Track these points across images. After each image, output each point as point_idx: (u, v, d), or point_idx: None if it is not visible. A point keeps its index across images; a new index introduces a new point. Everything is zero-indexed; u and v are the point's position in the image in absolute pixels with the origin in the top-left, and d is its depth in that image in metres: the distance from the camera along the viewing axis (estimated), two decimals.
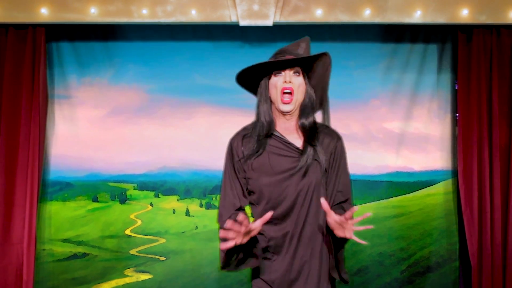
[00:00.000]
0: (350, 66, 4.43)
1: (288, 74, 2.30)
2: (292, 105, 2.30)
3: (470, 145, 4.19)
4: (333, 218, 2.10)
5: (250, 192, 2.33)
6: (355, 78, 4.42)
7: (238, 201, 2.31)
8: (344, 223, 2.09)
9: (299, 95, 2.31)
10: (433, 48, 4.40)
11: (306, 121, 2.33)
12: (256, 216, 2.31)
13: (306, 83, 2.33)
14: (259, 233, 2.23)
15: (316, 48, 2.43)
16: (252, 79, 2.38)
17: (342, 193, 2.33)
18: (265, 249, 2.30)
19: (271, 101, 2.34)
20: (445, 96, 4.42)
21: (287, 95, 2.29)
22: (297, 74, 2.31)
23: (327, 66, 2.33)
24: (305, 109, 2.33)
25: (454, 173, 4.35)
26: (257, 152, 2.30)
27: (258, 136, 2.32)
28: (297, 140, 2.33)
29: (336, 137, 2.36)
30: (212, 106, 4.38)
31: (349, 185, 2.36)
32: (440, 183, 4.40)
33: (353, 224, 2.12)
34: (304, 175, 2.25)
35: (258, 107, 2.35)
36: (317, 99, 2.38)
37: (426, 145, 4.41)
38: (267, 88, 2.34)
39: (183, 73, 4.41)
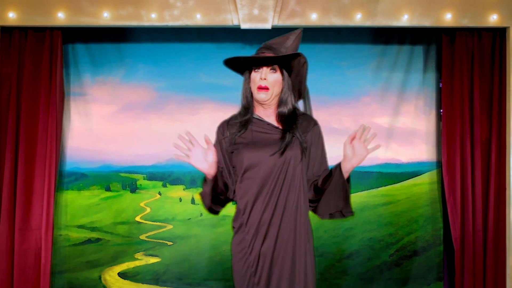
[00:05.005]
0: (343, 66, 4.49)
1: (265, 70, 2.39)
2: (268, 96, 2.39)
3: (453, 139, 4.26)
4: (350, 139, 2.26)
5: (234, 168, 2.44)
6: (347, 77, 4.49)
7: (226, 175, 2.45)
8: (357, 143, 2.24)
9: (275, 89, 2.40)
10: (419, 49, 4.48)
11: (284, 110, 2.42)
12: (239, 192, 2.39)
13: (283, 78, 2.41)
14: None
15: (311, 49, 2.56)
16: (239, 65, 2.49)
17: (322, 170, 2.45)
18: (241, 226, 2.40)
19: (251, 92, 2.45)
20: (430, 93, 4.50)
21: (262, 90, 2.39)
22: (274, 71, 2.40)
23: (303, 64, 2.40)
24: (283, 100, 2.42)
25: (439, 164, 4.43)
26: (240, 131, 2.42)
27: (241, 119, 2.44)
28: (276, 123, 2.44)
29: (312, 122, 2.46)
30: (216, 102, 4.46)
31: (327, 163, 2.46)
32: (426, 173, 4.48)
33: (364, 140, 2.24)
34: (282, 152, 2.35)
35: (241, 94, 2.49)
36: (296, 91, 2.47)
37: (413, 138, 4.49)
38: (247, 80, 2.46)
39: (189, 72, 4.48)
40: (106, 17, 4.16)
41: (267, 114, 2.48)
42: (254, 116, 2.47)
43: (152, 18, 4.17)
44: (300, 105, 2.55)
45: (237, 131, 2.44)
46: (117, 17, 4.17)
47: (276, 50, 2.40)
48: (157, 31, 4.40)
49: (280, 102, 2.45)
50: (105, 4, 4.17)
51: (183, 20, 4.18)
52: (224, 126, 2.50)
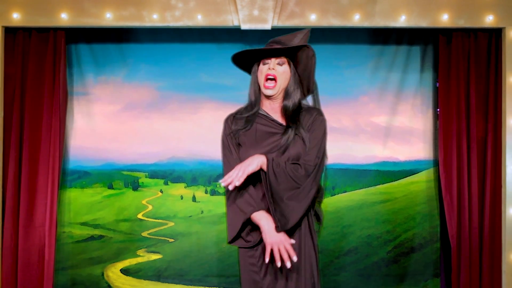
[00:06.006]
0: (341, 66, 4.50)
1: (273, 62, 2.44)
2: (274, 90, 2.43)
3: (450, 137, 4.28)
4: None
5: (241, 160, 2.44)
6: (345, 77, 4.50)
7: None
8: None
9: (282, 82, 2.44)
10: (416, 50, 4.50)
11: (289, 103, 2.45)
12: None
13: (290, 72, 2.46)
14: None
15: None
16: (247, 61, 2.54)
17: (305, 161, 2.40)
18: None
19: (259, 85, 2.49)
20: (427, 93, 4.51)
21: (270, 81, 2.43)
22: (281, 63, 2.46)
23: (311, 57, 2.45)
24: (289, 93, 2.46)
25: (436, 162, 4.44)
26: (245, 127, 2.45)
27: (247, 114, 2.48)
28: (281, 119, 2.48)
29: (315, 112, 2.47)
30: (216, 102, 4.49)
31: (315, 155, 2.39)
32: (423, 171, 4.50)
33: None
34: (285, 150, 2.39)
35: (249, 89, 2.54)
36: (305, 86, 2.51)
37: (410, 137, 4.51)
38: (256, 73, 2.50)
39: (190, 72, 4.50)
40: (108, 18, 4.20)
41: (274, 107, 2.51)
42: (260, 112, 2.50)
43: (153, 19, 4.21)
44: (309, 100, 2.59)
45: (242, 127, 2.47)
46: (120, 18, 4.21)
47: (284, 44, 2.45)
48: (159, 31, 4.43)
49: (286, 95, 2.48)
50: (108, 5, 4.20)
51: (184, 20, 4.21)
52: (231, 120, 2.53)
